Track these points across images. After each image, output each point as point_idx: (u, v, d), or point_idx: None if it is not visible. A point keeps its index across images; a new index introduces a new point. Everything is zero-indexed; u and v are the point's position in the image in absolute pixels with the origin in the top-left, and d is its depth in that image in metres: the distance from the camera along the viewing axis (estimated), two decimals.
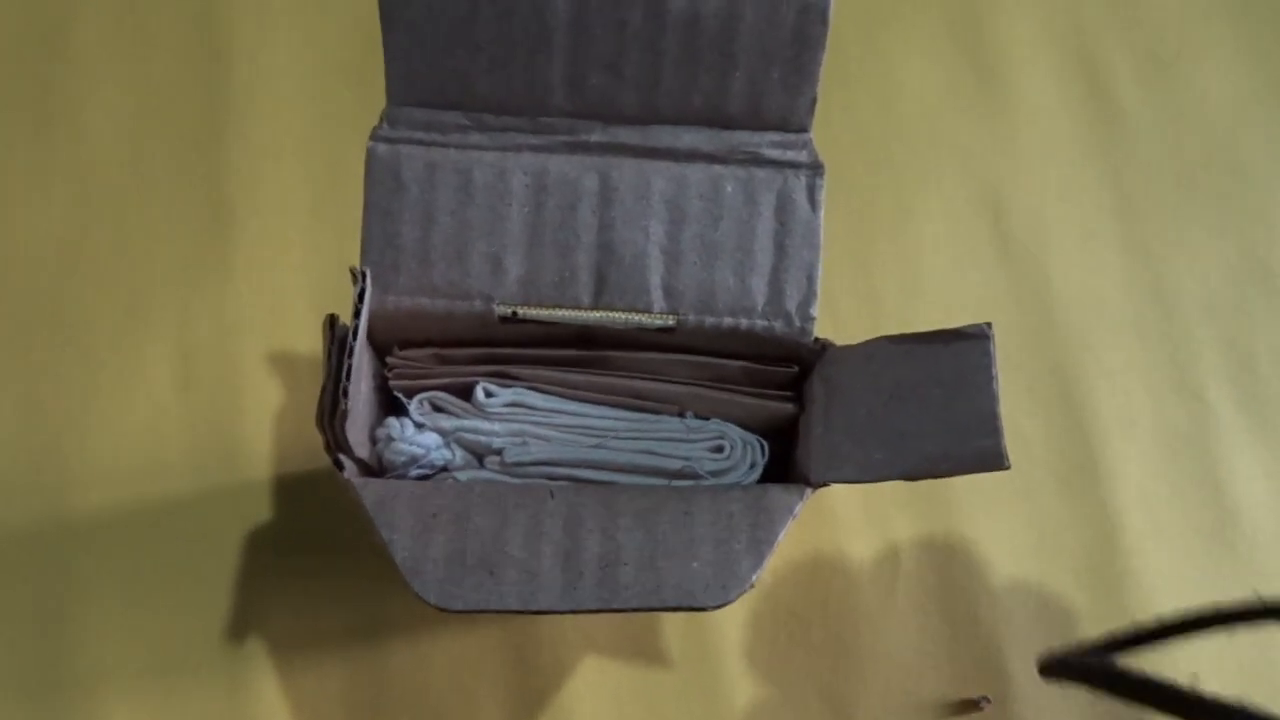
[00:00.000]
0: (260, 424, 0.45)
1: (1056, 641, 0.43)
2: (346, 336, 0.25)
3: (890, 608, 0.43)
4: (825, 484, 0.28)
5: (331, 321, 0.27)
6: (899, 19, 0.52)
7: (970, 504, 0.45)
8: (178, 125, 0.49)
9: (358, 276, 0.28)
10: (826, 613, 0.43)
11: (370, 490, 0.28)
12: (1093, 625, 0.43)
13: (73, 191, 0.48)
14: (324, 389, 0.25)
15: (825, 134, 0.49)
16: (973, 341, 0.26)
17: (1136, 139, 0.50)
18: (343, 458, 0.28)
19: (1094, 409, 0.46)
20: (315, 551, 0.44)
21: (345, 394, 0.25)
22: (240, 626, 0.43)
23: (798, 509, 0.28)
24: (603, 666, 0.43)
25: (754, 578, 0.27)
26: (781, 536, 0.27)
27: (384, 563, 0.43)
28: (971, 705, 0.42)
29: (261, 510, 0.44)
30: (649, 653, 0.43)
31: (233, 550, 0.44)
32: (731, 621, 0.43)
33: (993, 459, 0.25)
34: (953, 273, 0.48)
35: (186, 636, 0.43)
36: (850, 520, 0.44)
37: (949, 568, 0.44)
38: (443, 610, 0.26)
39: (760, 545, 0.27)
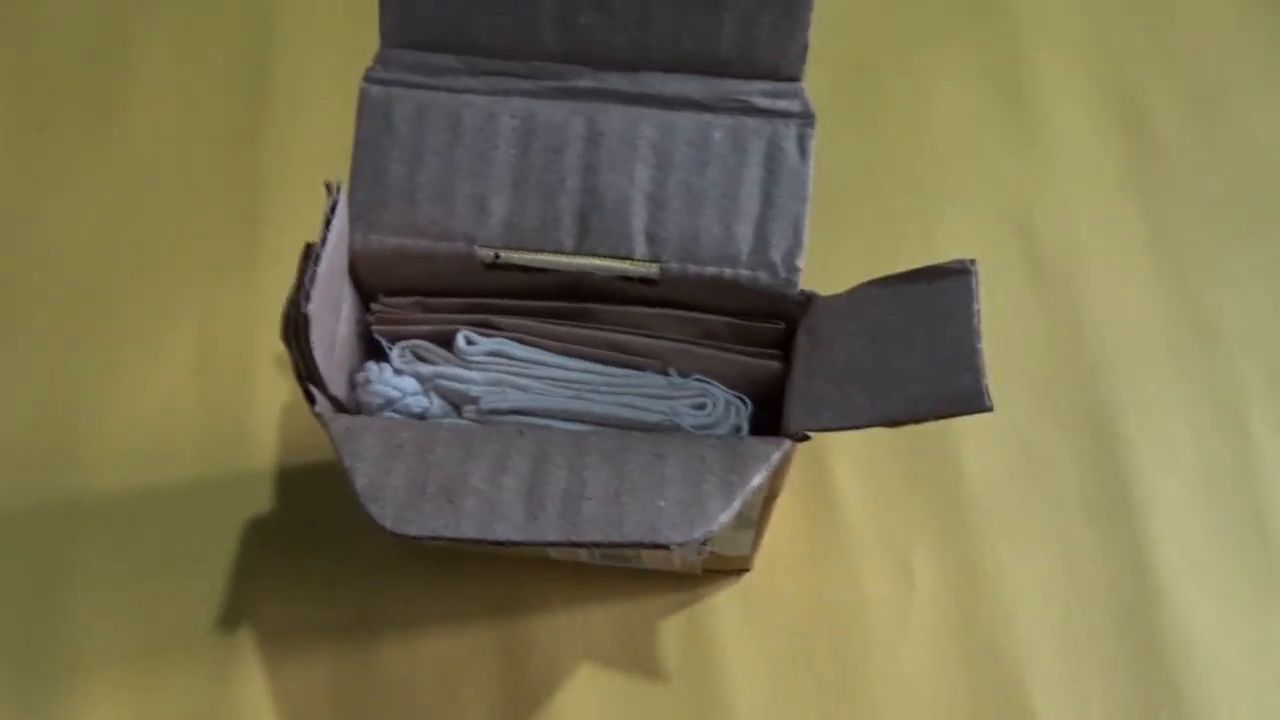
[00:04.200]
0: (269, 415, 0.45)
1: (1086, 682, 0.40)
2: (314, 248, 0.25)
3: (904, 636, 0.41)
4: (805, 435, 0.27)
5: (308, 249, 0.26)
6: (934, 43, 0.52)
7: (993, 531, 0.42)
8: (219, 128, 0.51)
9: (331, 190, 0.28)
10: (834, 636, 0.41)
11: (339, 423, 0.27)
12: (1127, 667, 0.40)
13: (116, 184, 0.50)
14: (289, 300, 0.25)
15: (854, 153, 0.49)
16: (956, 278, 0.25)
17: (1174, 172, 0.49)
18: (313, 390, 0.27)
19: (1127, 438, 0.44)
20: (312, 544, 0.43)
21: (308, 298, 0.25)
22: (232, 615, 0.42)
23: (775, 458, 0.26)
24: (595, 676, 0.41)
25: (722, 519, 0.25)
26: (756, 483, 0.26)
27: (379, 557, 0.43)
28: None
29: (263, 500, 0.44)
30: (645, 664, 0.41)
31: (231, 538, 0.43)
32: (735, 638, 0.41)
33: (973, 398, 0.24)
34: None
35: (178, 621, 0.42)
36: (866, 543, 0.42)
37: (969, 597, 0.41)
38: (398, 536, 0.25)
39: (732, 488, 0.26)
